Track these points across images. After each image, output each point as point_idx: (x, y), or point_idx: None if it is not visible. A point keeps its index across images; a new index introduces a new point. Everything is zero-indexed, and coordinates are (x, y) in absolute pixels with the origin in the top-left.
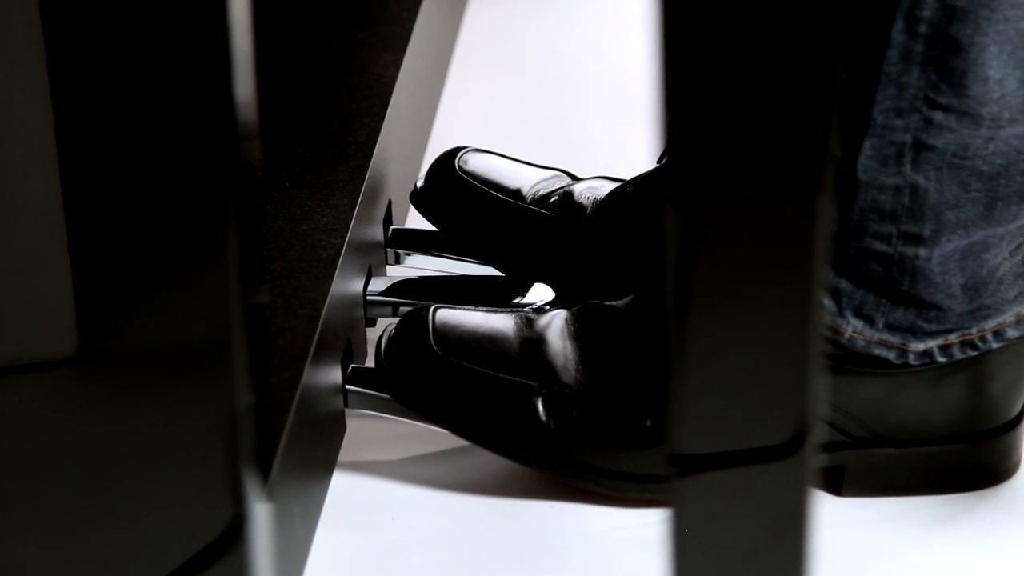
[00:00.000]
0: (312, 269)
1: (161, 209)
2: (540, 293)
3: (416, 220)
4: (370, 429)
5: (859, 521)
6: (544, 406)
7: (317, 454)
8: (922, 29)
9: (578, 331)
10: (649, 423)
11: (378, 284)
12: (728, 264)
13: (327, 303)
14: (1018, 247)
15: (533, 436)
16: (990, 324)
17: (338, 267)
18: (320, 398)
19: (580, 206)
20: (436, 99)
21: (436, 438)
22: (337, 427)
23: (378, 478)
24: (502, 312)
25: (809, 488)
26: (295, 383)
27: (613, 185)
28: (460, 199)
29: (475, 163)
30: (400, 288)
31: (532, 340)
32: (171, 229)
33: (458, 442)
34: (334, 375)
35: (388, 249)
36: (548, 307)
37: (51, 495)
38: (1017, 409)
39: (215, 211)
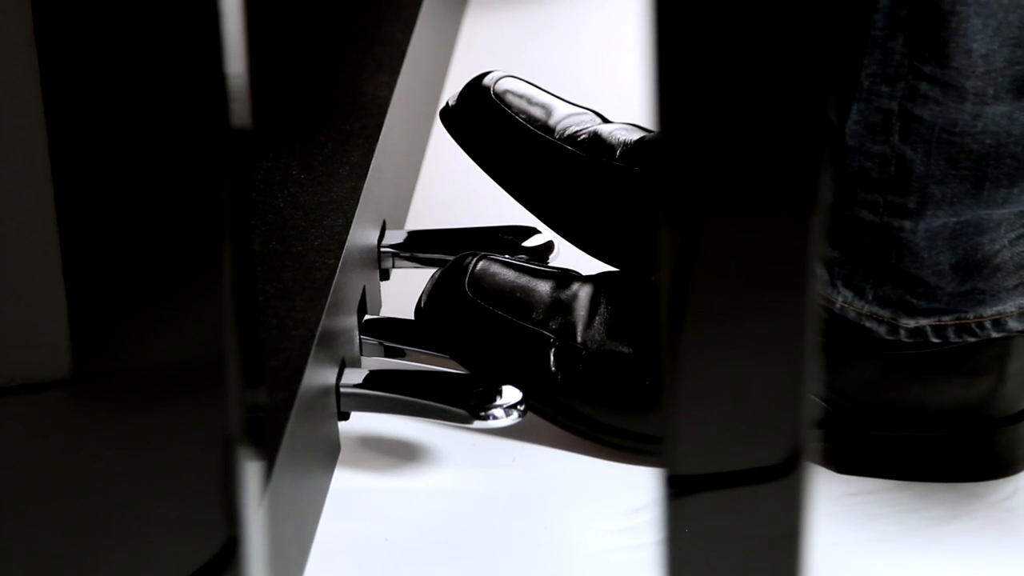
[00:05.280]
0: (306, 290)
1: (155, 230)
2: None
3: (412, 226)
4: (364, 450)
5: (854, 542)
6: (555, 358)
7: (311, 475)
8: None
9: (609, 297)
10: (648, 384)
11: (374, 306)
12: (722, 284)
13: (321, 324)
14: (1019, 236)
15: (542, 385)
16: (988, 311)
17: (332, 288)
18: (314, 419)
19: (609, 147)
20: (430, 120)
21: (430, 463)
22: (331, 448)
23: (372, 499)
24: (544, 269)
25: (804, 508)
26: (289, 404)
27: (643, 132)
28: (490, 124)
29: (510, 88)
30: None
31: (561, 298)
32: (165, 250)
33: (451, 467)
34: (329, 397)
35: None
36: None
37: (45, 516)
38: (1017, 407)
39: (209, 232)
